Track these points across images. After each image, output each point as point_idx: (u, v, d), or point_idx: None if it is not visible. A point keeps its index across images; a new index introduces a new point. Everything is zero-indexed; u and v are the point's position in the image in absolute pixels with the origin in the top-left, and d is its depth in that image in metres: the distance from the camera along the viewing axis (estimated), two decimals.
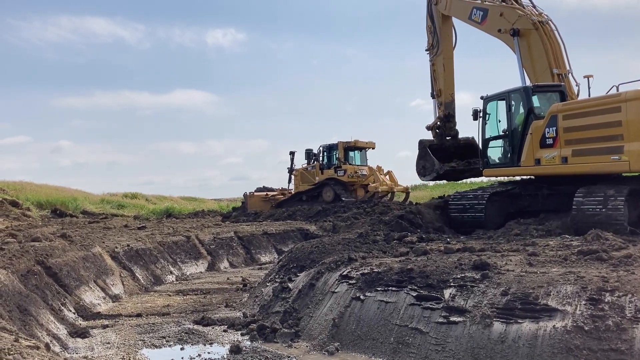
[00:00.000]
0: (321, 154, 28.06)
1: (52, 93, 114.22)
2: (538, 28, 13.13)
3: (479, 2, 14.75)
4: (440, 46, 16.59)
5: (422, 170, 16.10)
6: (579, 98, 12.59)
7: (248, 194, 29.13)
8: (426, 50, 17.21)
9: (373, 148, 28.11)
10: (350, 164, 27.02)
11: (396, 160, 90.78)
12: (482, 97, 13.46)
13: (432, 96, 17.10)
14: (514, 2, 14.10)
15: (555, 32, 13.29)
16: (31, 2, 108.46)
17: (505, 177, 14.38)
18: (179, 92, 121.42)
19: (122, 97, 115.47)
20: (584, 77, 12.29)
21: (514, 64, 13.69)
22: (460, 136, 16.76)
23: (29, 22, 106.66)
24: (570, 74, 13.05)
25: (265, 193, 29.24)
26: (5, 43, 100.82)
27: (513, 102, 12.58)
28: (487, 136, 13.37)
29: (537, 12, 13.75)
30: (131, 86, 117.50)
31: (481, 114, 13.34)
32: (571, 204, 10.52)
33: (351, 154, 27.53)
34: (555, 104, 11.78)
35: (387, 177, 27.43)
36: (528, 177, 12.96)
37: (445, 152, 16.23)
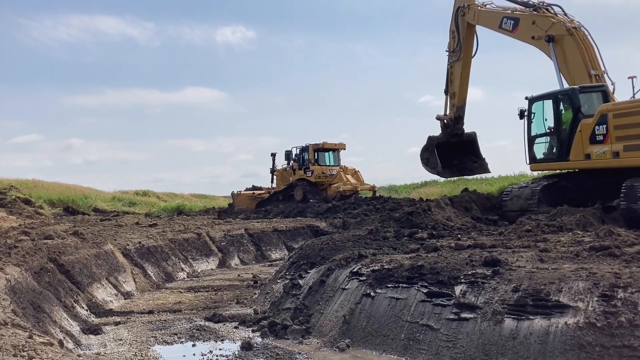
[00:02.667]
0: (296, 155, 29.08)
1: (63, 92, 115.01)
2: (572, 34, 13.66)
3: (509, 12, 15.30)
4: (461, 53, 17.54)
5: (426, 161, 18.39)
6: (616, 97, 13.27)
7: (236, 192, 29.94)
8: (446, 51, 17.98)
9: (344, 149, 29.37)
10: (320, 165, 28.03)
11: (405, 157, 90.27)
12: (526, 98, 14.12)
13: (445, 92, 18.25)
14: (545, 11, 14.55)
15: (588, 36, 13.83)
16: (42, 1, 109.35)
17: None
18: (189, 90, 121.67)
19: (133, 95, 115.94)
20: (628, 78, 12.94)
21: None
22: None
23: (39, 22, 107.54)
24: (605, 73, 13.59)
25: (252, 192, 30.12)
26: (16, 42, 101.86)
27: (560, 102, 13.30)
28: (533, 134, 14.12)
29: (569, 19, 14.22)
30: (141, 84, 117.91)
31: (526, 114, 14.05)
32: (615, 195, 11.30)
33: (325, 155, 28.58)
34: (603, 103, 12.53)
35: (354, 176, 28.33)
36: (573, 170, 13.64)
37: (449, 146, 18.21)
